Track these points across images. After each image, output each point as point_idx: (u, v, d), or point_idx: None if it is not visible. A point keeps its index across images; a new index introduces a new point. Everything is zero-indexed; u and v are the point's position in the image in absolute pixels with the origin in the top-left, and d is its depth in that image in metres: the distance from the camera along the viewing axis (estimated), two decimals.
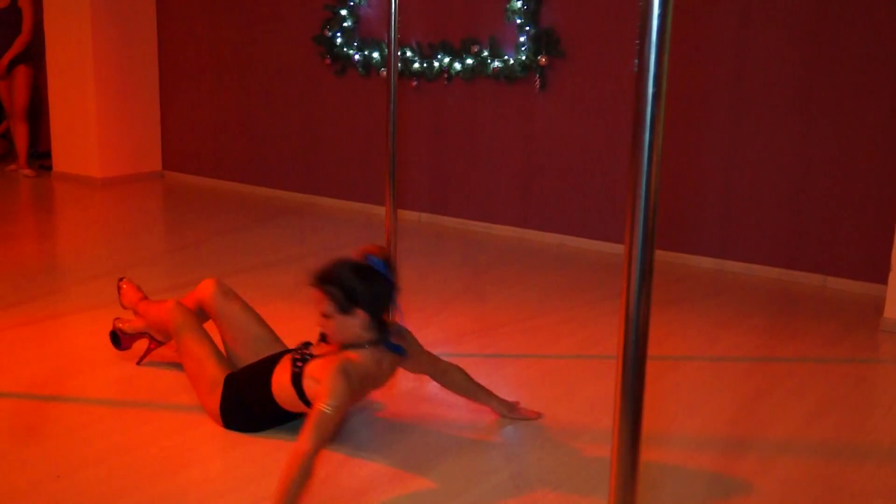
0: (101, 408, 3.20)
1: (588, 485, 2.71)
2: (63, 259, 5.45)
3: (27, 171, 7.59)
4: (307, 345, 2.98)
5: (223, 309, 3.24)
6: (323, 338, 2.96)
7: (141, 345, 3.57)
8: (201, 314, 3.30)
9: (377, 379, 2.85)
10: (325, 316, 2.77)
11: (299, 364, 2.83)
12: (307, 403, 2.77)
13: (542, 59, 5.66)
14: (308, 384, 2.77)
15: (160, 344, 3.51)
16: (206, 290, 3.28)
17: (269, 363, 2.95)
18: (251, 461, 2.82)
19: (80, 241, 5.82)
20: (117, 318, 3.61)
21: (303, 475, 2.41)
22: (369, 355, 2.79)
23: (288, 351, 3.03)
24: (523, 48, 5.71)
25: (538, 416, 3.19)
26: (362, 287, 2.75)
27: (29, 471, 2.73)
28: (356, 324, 2.77)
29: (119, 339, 3.56)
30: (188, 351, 3.11)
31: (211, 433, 3.00)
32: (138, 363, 3.54)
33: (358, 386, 2.70)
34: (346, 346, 2.80)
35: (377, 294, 2.78)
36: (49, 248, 5.71)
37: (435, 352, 3.80)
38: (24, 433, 3.00)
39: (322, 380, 2.66)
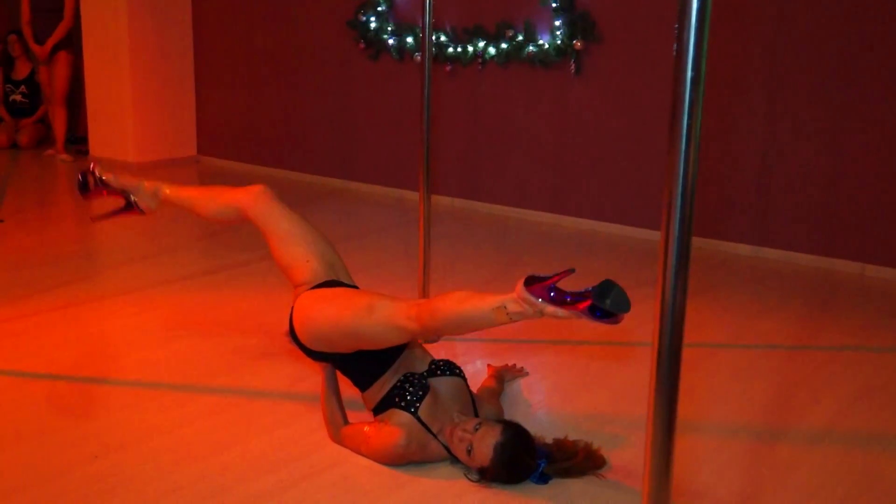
0: (138, 390, 3.24)
1: (622, 471, 2.70)
2: (99, 243, 5.51)
3: (64, 156, 7.67)
4: (423, 392, 2.73)
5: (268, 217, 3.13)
6: (433, 371, 2.83)
7: (110, 202, 3.28)
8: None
9: (427, 460, 2.74)
10: (465, 431, 2.61)
11: (400, 402, 2.71)
12: (374, 413, 2.82)
13: (578, 44, 5.61)
14: (381, 416, 2.76)
15: (140, 213, 3.26)
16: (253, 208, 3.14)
17: (388, 359, 2.81)
18: (287, 443, 2.84)
19: (115, 225, 5.86)
20: (96, 164, 3.31)
21: (330, 421, 2.86)
22: (439, 452, 2.71)
23: (403, 349, 2.85)
24: (558, 32, 5.67)
25: (522, 371, 3.45)
26: (506, 474, 2.60)
27: (67, 451, 2.76)
28: (464, 458, 2.64)
29: (87, 184, 3.24)
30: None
31: (246, 415, 3.03)
32: (94, 219, 3.24)
33: (403, 456, 2.68)
34: (440, 435, 2.70)
35: (508, 476, 2.62)
36: (85, 233, 5.77)
37: (468, 336, 3.80)
38: (61, 415, 3.04)
39: (386, 427, 2.68)
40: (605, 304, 2.18)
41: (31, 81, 8.33)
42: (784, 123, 5.10)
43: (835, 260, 5.03)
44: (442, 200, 6.33)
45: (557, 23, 5.66)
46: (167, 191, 3.21)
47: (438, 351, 3.64)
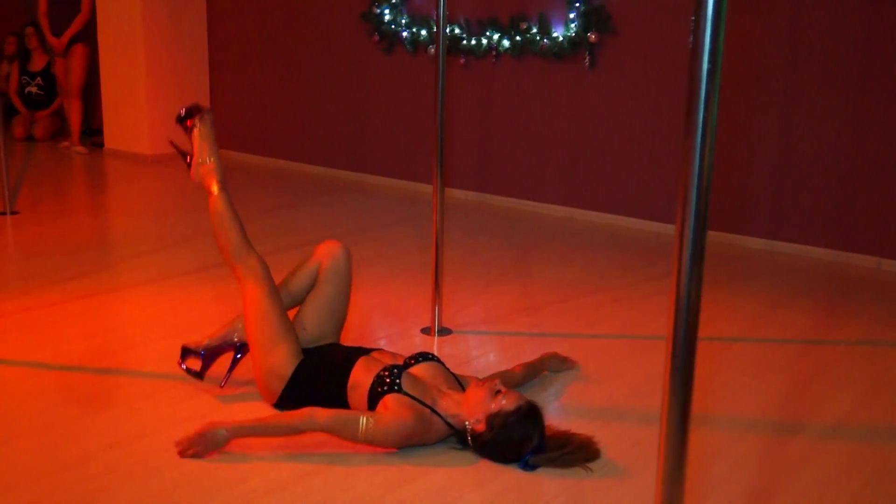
0: (153, 381, 3.25)
1: (636, 465, 2.70)
2: (114, 235, 5.53)
3: (79, 148, 7.71)
4: (399, 371, 2.78)
5: (333, 272, 3.07)
6: (409, 363, 2.87)
7: (223, 361, 3.20)
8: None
9: (427, 440, 2.76)
10: (497, 388, 2.67)
11: (384, 389, 2.72)
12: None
13: (592, 36, 5.59)
14: (379, 407, 2.73)
15: (247, 350, 3.10)
16: (331, 250, 3.09)
17: (346, 363, 2.86)
18: (295, 437, 2.84)
19: (130, 217, 5.90)
20: (184, 345, 3.18)
21: (290, 429, 2.67)
22: (441, 430, 2.73)
23: (366, 351, 2.94)
24: (573, 25, 5.65)
25: (574, 364, 3.44)
26: (503, 450, 2.66)
27: (83, 441, 2.78)
28: (480, 425, 2.67)
29: (194, 370, 3.15)
30: (254, 300, 2.94)
31: (255, 409, 3.04)
32: (223, 384, 3.14)
33: (409, 434, 2.68)
34: (448, 416, 2.72)
35: (509, 454, 2.67)
36: (101, 224, 5.80)
37: (481, 330, 3.79)
38: (78, 405, 3.06)
39: (390, 411, 2.67)
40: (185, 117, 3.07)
41: (47, 73, 8.36)
42: (800, 117, 5.07)
43: (850, 254, 5.01)
44: (455, 193, 6.33)
45: (572, 15, 5.64)
46: None
47: (449, 348, 3.64)
